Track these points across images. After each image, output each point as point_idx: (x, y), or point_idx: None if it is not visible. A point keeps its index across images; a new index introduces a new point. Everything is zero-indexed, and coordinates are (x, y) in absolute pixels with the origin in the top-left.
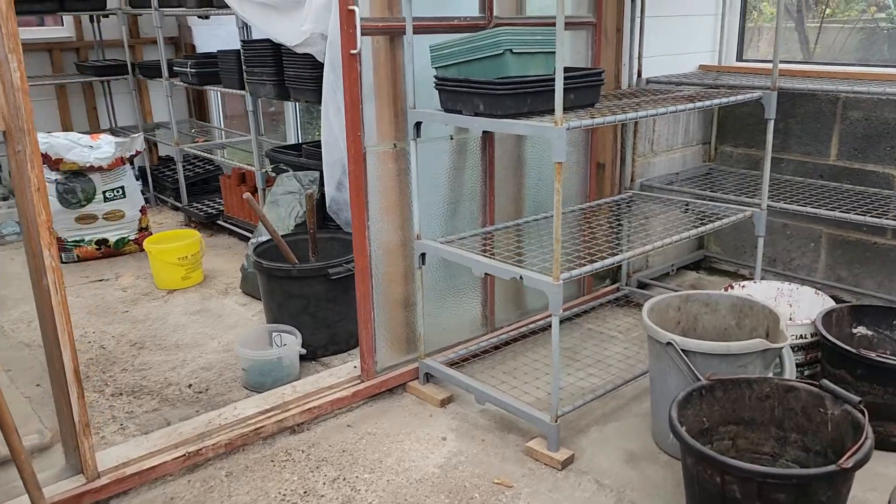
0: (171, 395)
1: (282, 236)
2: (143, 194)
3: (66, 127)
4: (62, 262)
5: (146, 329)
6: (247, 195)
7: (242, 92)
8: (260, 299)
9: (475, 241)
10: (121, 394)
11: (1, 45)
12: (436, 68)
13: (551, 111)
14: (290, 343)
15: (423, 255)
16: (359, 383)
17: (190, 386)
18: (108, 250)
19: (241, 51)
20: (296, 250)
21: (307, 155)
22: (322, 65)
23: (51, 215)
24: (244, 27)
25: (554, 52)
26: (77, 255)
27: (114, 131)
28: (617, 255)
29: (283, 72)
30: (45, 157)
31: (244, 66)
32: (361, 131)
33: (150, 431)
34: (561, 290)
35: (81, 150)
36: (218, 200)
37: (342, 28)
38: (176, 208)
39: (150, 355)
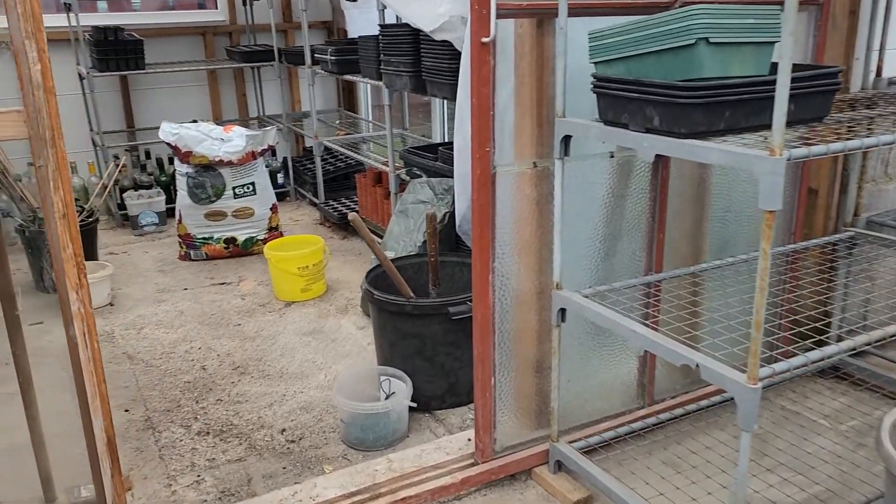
0: (261, 442)
1: (405, 257)
2: (283, 187)
3: (217, 115)
4: (191, 260)
5: (254, 349)
6: (352, 216)
7: (379, 83)
8: None
9: (634, 295)
10: (208, 432)
11: (17, 29)
12: (595, 63)
13: (758, 128)
14: (400, 392)
15: (562, 310)
16: (471, 465)
17: (283, 431)
18: (236, 250)
19: (379, 37)
20: (419, 275)
21: (444, 159)
22: (460, 55)
23: (80, 247)
24: (383, 10)
25: (769, 43)
26: (205, 254)
27: (261, 120)
28: (843, 339)
29: (420, 61)
30: (175, 150)
31: (381, 55)
32: (491, 145)
33: (227, 490)
34: (758, 395)
35: (212, 142)
36: (356, 199)
37: (472, 7)
38: (314, 204)
39: (251, 384)
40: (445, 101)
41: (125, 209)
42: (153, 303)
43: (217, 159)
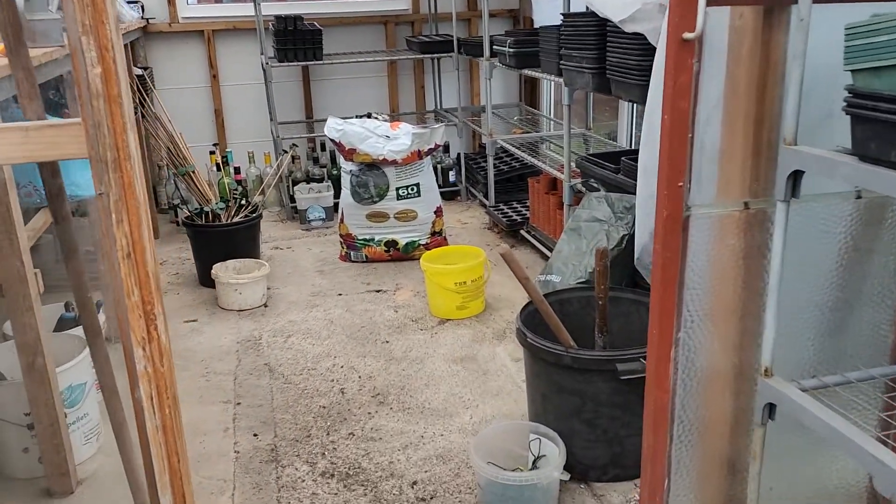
0: (388, 495)
1: (571, 289)
2: (454, 186)
3: (394, 107)
4: (350, 261)
5: (398, 374)
6: (504, 251)
7: (559, 79)
8: None
9: (876, 393)
10: (333, 475)
11: (73, 21)
12: (853, 71)
13: None
14: (551, 457)
15: (770, 405)
16: None
17: (414, 485)
18: (397, 254)
19: (560, 26)
20: (585, 311)
21: (626, 172)
22: (654, 50)
23: (151, 294)
24: None
25: None
26: (365, 256)
27: (437, 114)
28: None
29: (605, 57)
30: (339, 146)
31: (562, 48)
32: (686, 179)
33: None
34: None
35: (376, 140)
36: (528, 204)
37: None
38: (484, 206)
39: (388, 417)
40: (634, 105)
41: (296, 202)
42: (305, 308)
43: (381, 158)
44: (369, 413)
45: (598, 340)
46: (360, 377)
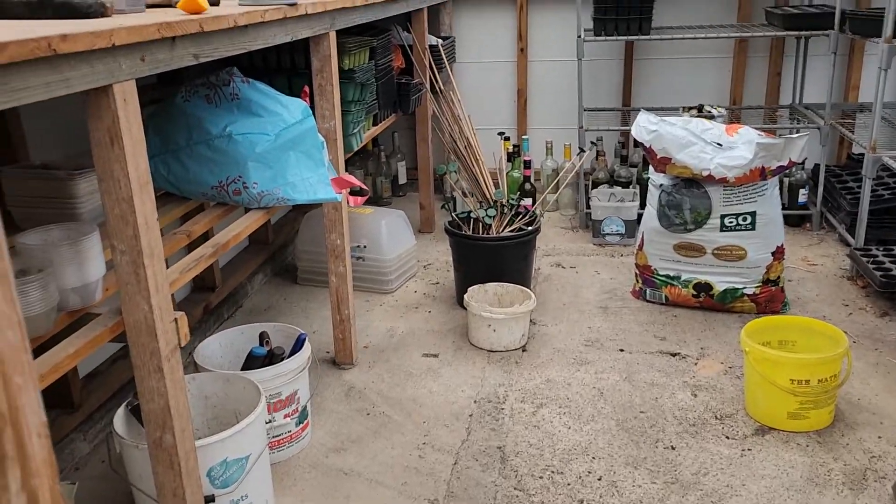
0: None
1: None
2: (803, 208)
3: (735, 98)
4: (645, 300)
5: None
6: None
7: None
8: None
9: None
10: None
11: None
12: None
13: None
14: None
15: None
16: None
17: None
18: (709, 301)
19: None
20: None
21: None
22: None
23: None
24: None
25: None
26: (665, 297)
27: (793, 111)
28: None
29: None
30: (649, 152)
31: None
32: None
33: None
34: None
35: (703, 148)
36: None
37: None
38: (844, 243)
39: None
40: None
41: (591, 208)
42: (572, 363)
43: (706, 174)
44: None
45: None
46: None
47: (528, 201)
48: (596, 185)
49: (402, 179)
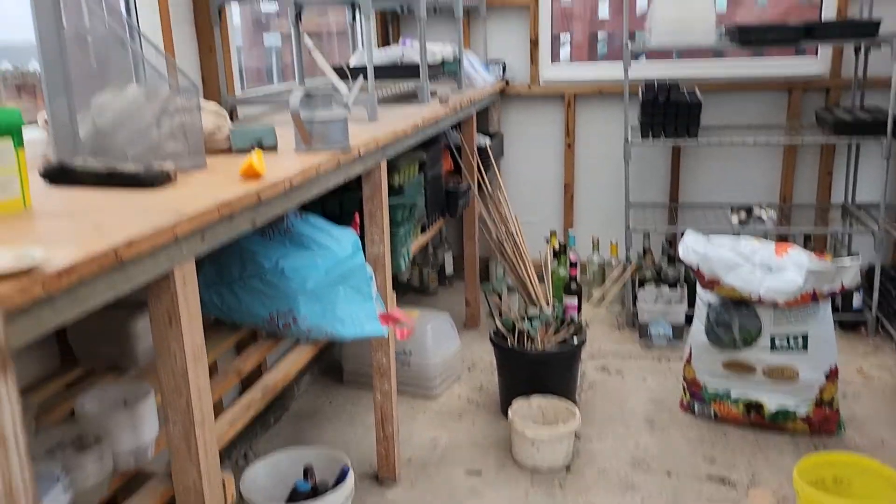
0: None
1: None
2: (857, 311)
3: (785, 195)
4: (693, 414)
5: None
6: None
7: None
8: None
9: None
10: None
11: None
12: None
13: None
14: None
15: None
16: None
17: None
18: (760, 420)
19: None
20: None
21: None
22: None
23: None
24: None
25: None
26: (715, 413)
27: (846, 211)
28: None
29: None
30: (697, 273)
31: None
32: None
33: None
34: None
35: (751, 270)
36: None
37: None
38: None
39: None
40: None
41: (637, 309)
42: (617, 487)
43: (755, 297)
44: None
45: None
46: None
47: (573, 301)
48: (642, 282)
49: (449, 270)
